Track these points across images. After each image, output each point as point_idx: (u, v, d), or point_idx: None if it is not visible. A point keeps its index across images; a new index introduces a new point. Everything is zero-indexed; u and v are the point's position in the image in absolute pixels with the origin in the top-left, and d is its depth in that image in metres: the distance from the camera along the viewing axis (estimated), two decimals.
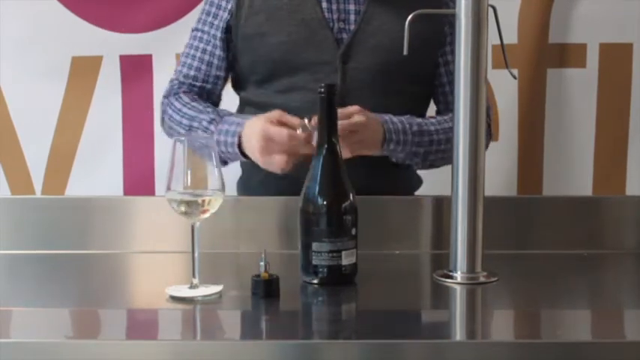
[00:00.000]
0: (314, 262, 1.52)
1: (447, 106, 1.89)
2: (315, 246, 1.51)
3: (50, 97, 2.46)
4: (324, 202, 1.52)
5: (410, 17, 1.56)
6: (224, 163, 1.77)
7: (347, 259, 1.52)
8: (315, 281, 1.52)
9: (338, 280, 1.52)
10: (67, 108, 2.47)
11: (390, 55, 1.81)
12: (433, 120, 1.85)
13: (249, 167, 1.94)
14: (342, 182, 1.54)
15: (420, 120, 1.81)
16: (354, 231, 1.53)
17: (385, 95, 1.82)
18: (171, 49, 2.44)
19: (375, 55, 1.82)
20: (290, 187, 1.82)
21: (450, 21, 1.78)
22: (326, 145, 1.54)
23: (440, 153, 1.81)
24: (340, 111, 1.58)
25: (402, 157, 1.80)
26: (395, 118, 1.77)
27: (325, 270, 1.51)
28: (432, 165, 1.85)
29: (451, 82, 1.83)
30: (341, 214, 1.52)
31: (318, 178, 1.53)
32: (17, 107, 2.47)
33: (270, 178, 1.87)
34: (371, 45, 1.82)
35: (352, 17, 1.83)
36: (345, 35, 1.83)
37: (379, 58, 1.82)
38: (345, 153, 1.61)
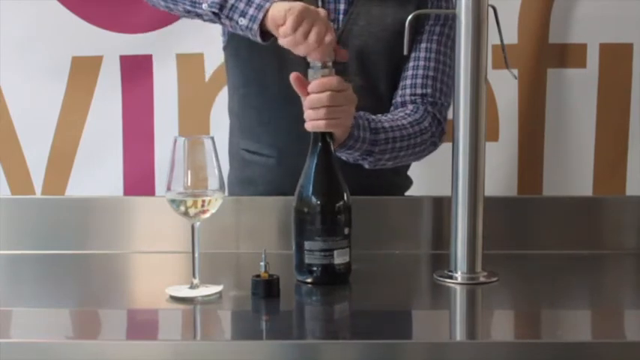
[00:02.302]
0: (307, 261, 1.52)
1: (403, 99, 1.81)
2: (307, 245, 1.51)
3: (50, 97, 2.46)
4: (317, 202, 1.52)
5: (410, 17, 1.56)
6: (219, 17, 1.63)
7: (339, 258, 1.52)
8: (309, 280, 1.52)
9: (331, 279, 1.52)
10: (67, 108, 2.47)
11: (374, 56, 1.79)
12: (385, 117, 1.76)
13: (234, 165, 1.93)
14: (335, 181, 1.54)
15: (373, 117, 1.73)
16: (347, 230, 1.53)
17: (367, 97, 1.79)
18: (171, 49, 2.45)
19: (358, 57, 1.78)
20: (266, 190, 1.82)
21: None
22: (320, 144, 1.54)
23: (395, 152, 1.73)
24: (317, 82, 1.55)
25: (355, 156, 1.70)
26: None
27: (318, 269, 1.51)
28: (383, 165, 1.75)
29: (415, 76, 1.83)
30: (334, 213, 1.52)
31: (312, 177, 1.54)
32: (17, 107, 2.47)
33: (247, 181, 1.87)
34: (355, 46, 1.78)
35: (342, 17, 1.80)
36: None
37: (363, 60, 1.79)
38: (319, 124, 1.55)
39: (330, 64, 1.56)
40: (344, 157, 1.71)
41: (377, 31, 1.79)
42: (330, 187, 1.54)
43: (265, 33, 1.61)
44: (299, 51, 1.56)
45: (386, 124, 1.73)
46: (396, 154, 1.74)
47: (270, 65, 1.79)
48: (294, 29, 1.54)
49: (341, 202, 1.53)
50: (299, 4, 1.56)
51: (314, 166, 1.54)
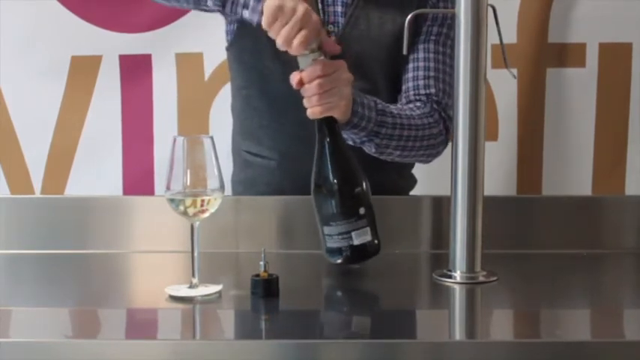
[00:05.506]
0: (328, 245, 1.55)
1: (407, 100, 1.80)
2: (326, 230, 1.55)
3: (50, 96, 2.46)
4: (323, 188, 1.55)
5: (410, 16, 1.56)
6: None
7: (359, 239, 1.54)
8: (339, 261, 1.56)
9: (355, 259, 1.56)
10: (66, 107, 2.47)
11: (373, 62, 1.79)
12: (394, 105, 1.76)
13: (237, 165, 1.93)
14: (339, 165, 1.56)
15: (381, 101, 1.73)
16: (362, 210, 1.54)
17: None
18: (170, 48, 2.45)
19: (358, 62, 1.75)
20: (267, 191, 1.82)
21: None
22: (319, 130, 1.56)
23: (402, 140, 1.72)
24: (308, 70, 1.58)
25: (362, 136, 1.69)
26: (360, 93, 1.69)
27: (341, 252, 1.54)
28: (389, 154, 1.74)
29: (416, 77, 1.82)
30: (342, 197, 1.54)
31: (314, 165, 1.56)
32: (17, 106, 2.47)
33: (249, 182, 1.86)
34: (355, 51, 1.76)
35: (340, 20, 1.78)
36: (333, 38, 1.75)
37: (363, 65, 1.77)
38: (314, 110, 1.58)
39: (315, 48, 1.57)
40: (350, 140, 1.70)
41: (377, 37, 1.78)
42: (333, 172, 1.55)
43: None
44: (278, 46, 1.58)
45: (394, 110, 1.73)
46: (403, 144, 1.73)
47: (273, 68, 1.78)
48: (269, 26, 1.57)
49: (347, 184, 1.55)
50: (283, 2, 1.57)
51: (316, 154, 1.57)
